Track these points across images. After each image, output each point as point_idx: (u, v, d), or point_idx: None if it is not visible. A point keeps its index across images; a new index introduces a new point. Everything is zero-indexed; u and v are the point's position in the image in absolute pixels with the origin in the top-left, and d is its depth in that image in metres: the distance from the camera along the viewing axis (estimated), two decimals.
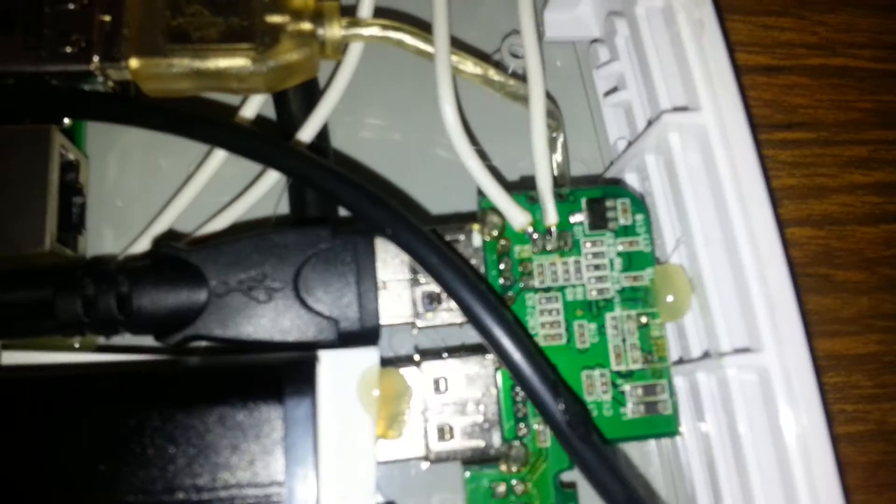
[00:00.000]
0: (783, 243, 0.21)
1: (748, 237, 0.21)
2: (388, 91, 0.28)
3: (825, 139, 0.32)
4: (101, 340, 0.22)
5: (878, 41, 0.34)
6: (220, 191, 0.25)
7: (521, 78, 0.27)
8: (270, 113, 0.26)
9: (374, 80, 0.28)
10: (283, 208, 0.25)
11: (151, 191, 0.26)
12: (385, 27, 0.25)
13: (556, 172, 0.26)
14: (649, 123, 0.24)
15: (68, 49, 0.23)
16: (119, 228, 0.26)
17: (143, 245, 0.24)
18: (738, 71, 0.25)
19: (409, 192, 0.27)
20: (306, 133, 0.24)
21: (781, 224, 0.22)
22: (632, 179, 0.26)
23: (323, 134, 0.25)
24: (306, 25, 0.24)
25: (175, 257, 0.21)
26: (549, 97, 0.27)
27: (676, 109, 0.23)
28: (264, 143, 0.22)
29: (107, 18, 0.23)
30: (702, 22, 0.23)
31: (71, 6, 0.23)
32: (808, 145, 0.31)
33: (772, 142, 0.31)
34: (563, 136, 0.26)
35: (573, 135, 0.28)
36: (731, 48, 0.25)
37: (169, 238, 0.24)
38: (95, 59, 0.23)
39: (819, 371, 0.22)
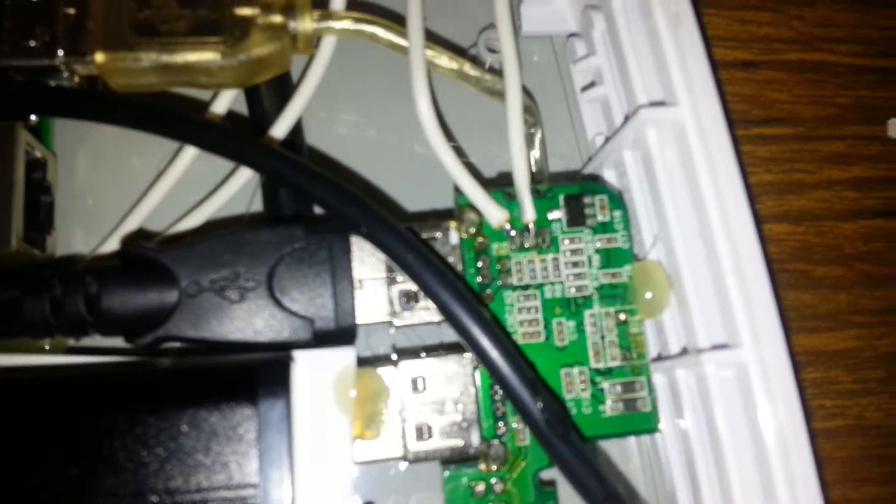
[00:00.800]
0: (761, 239, 0.21)
1: (725, 233, 0.21)
2: (364, 86, 0.28)
3: (803, 135, 0.32)
4: (72, 342, 0.22)
5: (855, 36, 0.34)
6: (192, 188, 0.25)
7: (498, 73, 0.26)
8: (242, 108, 0.25)
9: (349, 75, 0.28)
10: (257, 206, 0.25)
11: (123, 189, 0.25)
12: (358, 20, 0.24)
13: (533, 169, 0.25)
14: (626, 119, 0.24)
15: (31, 43, 0.22)
16: (90, 227, 0.25)
17: (113, 245, 0.23)
18: (716, 66, 0.25)
19: (385, 188, 0.27)
20: (279, 129, 0.24)
21: (759, 220, 0.22)
22: (610, 175, 0.26)
23: (297, 130, 0.25)
24: (277, 18, 0.23)
25: (145, 257, 0.21)
26: (527, 92, 0.27)
27: (653, 104, 0.23)
28: (235, 140, 0.22)
29: (71, 11, 0.22)
30: (678, 15, 0.23)
31: None
32: (786, 141, 0.31)
33: (749, 137, 0.31)
34: (540, 132, 0.26)
35: (551, 130, 0.28)
36: (709, 43, 0.25)
37: (139, 237, 0.24)
38: (60, 53, 0.22)
39: (797, 367, 0.22)
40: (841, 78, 0.33)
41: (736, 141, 0.23)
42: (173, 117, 0.22)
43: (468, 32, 0.29)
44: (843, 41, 0.34)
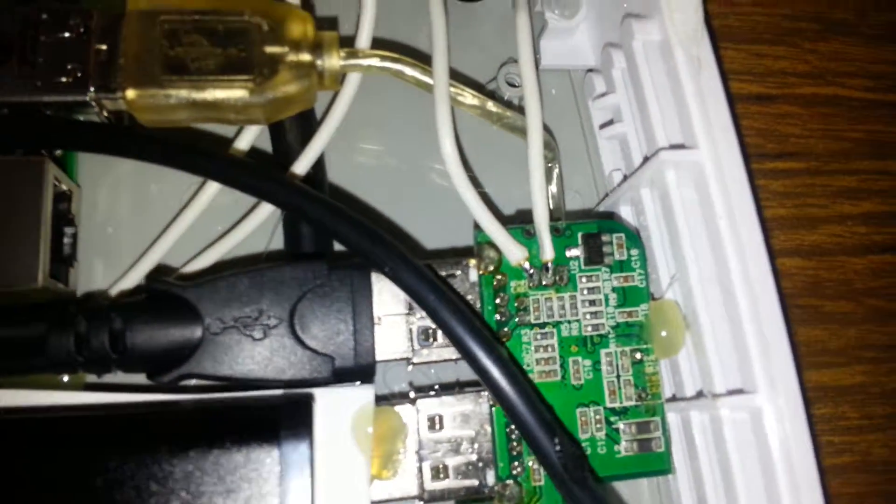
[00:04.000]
0: (777, 286, 0.21)
1: (744, 279, 0.21)
2: (385, 115, 0.28)
3: (815, 169, 0.32)
4: (92, 378, 0.22)
5: (867, 71, 0.34)
6: (214, 220, 0.25)
7: (518, 109, 0.27)
8: (264, 143, 0.26)
9: (370, 103, 0.28)
10: (278, 237, 0.25)
11: (143, 217, 0.26)
12: (384, 58, 0.25)
13: (551, 204, 0.26)
14: (646, 159, 0.24)
15: (63, 79, 0.22)
16: (110, 257, 0.25)
17: (135, 276, 0.24)
18: (732, 100, 0.25)
19: (405, 217, 0.27)
20: (302, 165, 0.24)
21: (772, 255, 0.22)
22: (626, 212, 0.26)
23: (319, 165, 0.25)
24: (305, 56, 0.23)
25: (169, 293, 0.21)
26: (545, 128, 0.27)
27: (673, 147, 0.23)
28: (258, 176, 0.22)
29: (103, 47, 0.23)
30: (699, 60, 0.24)
31: (67, 34, 0.23)
32: (799, 175, 0.32)
33: (763, 171, 0.32)
34: (558, 167, 0.26)
35: (568, 164, 0.28)
36: (725, 77, 0.25)
37: (161, 271, 0.24)
38: (91, 89, 0.22)
39: (808, 403, 0.22)
40: (853, 112, 0.34)
41: (752, 180, 0.23)
42: (198, 154, 0.22)
43: (489, 66, 0.29)
44: (855, 75, 0.34)
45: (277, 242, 0.25)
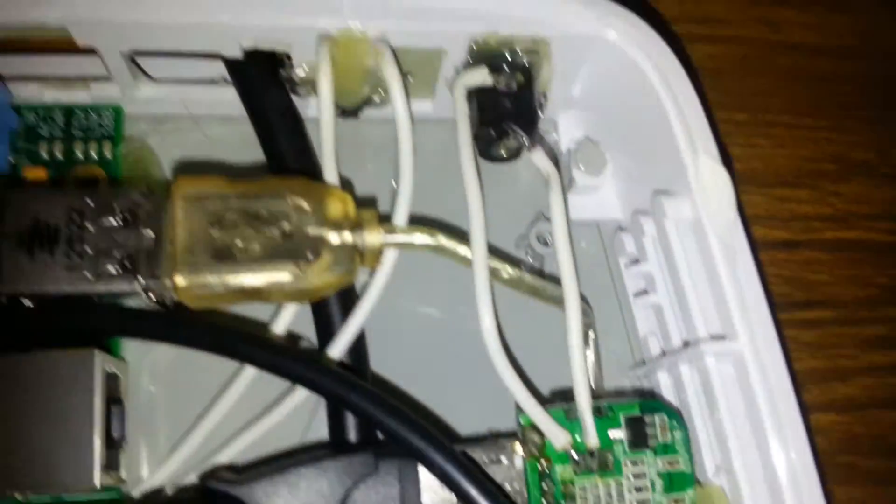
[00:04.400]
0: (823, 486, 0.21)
1: (788, 472, 0.21)
2: (424, 265, 0.28)
3: (844, 318, 0.32)
4: None
5: (890, 213, 0.35)
6: (255, 393, 0.25)
7: (552, 277, 0.27)
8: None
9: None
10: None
11: (187, 380, 0.26)
12: (423, 233, 0.25)
13: (591, 378, 0.26)
14: (685, 343, 0.24)
15: (112, 268, 0.22)
16: (152, 431, 0.25)
17: (179, 459, 0.24)
18: (756, 246, 0.25)
19: (442, 372, 0.27)
20: (340, 345, 0.24)
21: (806, 410, 0.22)
22: (664, 380, 0.26)
23: (360, 343, 0.25)
24: (347, 237, 0.24)
25: (224, 494, 0.21)
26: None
27: (713, 338, 0.23)
28: (303, 365, 0.22)
29: (150, 234, 0.23)
30: (734, 250, 0.24)
31: (113, 222, 0.23)
32: (828, 325, 0.32)
33: (793, 322, 0.32)
34: (594, 334, 0.27)
35: (601, 320, 0.28)
36: (748, 222, 0.26)
37: (212, 469, 0.24)
38: (140, 279, 0.22)
39: None
40: (879, 257, 0.34)
41: (780, 326, 0.23)
42: (240, 341, 0.23)
43: (518, 222, 0.29)
44: (879, 218, 0.35)
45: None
